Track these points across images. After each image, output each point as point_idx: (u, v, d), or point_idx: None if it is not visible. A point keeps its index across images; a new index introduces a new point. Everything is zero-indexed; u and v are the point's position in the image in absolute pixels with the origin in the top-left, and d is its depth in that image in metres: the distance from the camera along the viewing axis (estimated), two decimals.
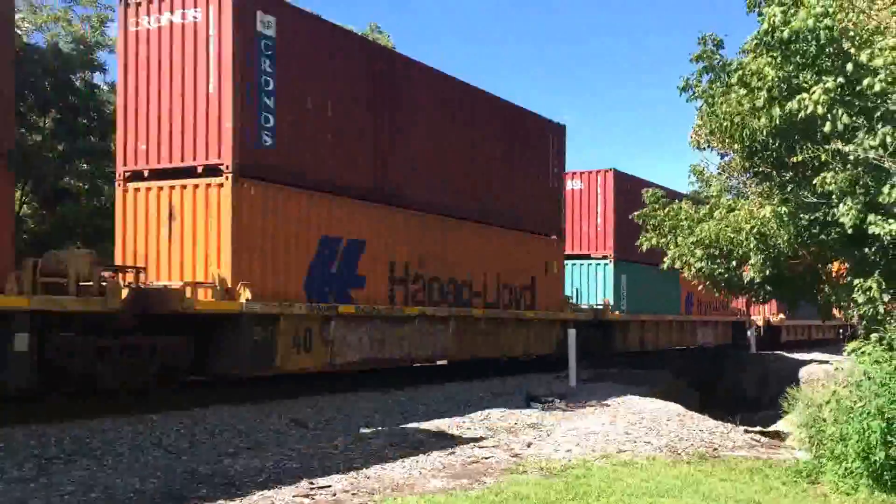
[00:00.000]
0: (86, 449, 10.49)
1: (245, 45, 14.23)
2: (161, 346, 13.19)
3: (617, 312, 26.98)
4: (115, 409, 12.42)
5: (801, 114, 9.60)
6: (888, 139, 9.48)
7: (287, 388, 14.96)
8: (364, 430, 12.60)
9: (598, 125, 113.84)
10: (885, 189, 9.26)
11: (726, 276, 12.80)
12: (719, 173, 13.54)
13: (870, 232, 9.74)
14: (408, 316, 17.48)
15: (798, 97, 9.68)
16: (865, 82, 9.38)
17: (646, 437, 12.85)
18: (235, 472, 9.68)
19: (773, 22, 9.99)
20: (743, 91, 10.62)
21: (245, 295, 13.78)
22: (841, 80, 9.72)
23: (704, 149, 12.99)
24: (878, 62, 9.10)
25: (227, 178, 13.96)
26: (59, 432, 10.95)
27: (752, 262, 12.04)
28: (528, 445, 11.99)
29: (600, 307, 26.26)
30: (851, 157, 9.86)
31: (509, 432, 12.96)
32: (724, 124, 10.71)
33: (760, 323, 36.87)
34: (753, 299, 14.18)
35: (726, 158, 13.14)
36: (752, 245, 11.53)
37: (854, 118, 10.01)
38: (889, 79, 9.24)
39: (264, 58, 14.48)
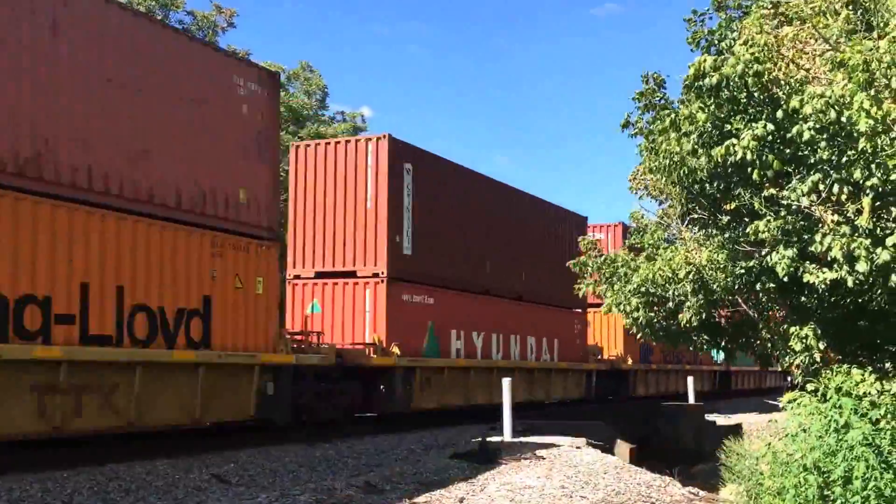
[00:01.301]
0: None
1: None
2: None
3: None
4: (20, 465, 11.69)
5: (731, 159, 9.56)
6: (821, 186, 9.45)
7: (210, 442, 14.31)
8: (290, 487, 12.07)
9: (535, 167, 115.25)
10: (818, 238, 9.20)
11: (663, 323, 12.66)
12: (658, 222, 13.48)
13: (804, 280, 9.67)
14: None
15: (727, 142, 9.65)
16: (795, 129, 9.37)
17: (582, 491, 12.54)
18: None
19: (703, 68, 9.99)
20: (676, 134, 10.60)
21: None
22: (771, 126, 9.71)
23: (642, 197, 12.98)
24: (808, 109, 9.10)
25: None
26: None
27: (688, 304, 11.93)
28: (461, 501, 11.61)
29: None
30: (784, 203, 9.82)
31: (441, 486, 12.53)
32: (665, 163, 10.65)
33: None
34: (691, 348, 14.07)
35: (663, 206, 13.11)
36: (688, 288, 11.43)
37: (785, 165, 10.00)
38: (817, 126, 9.24)
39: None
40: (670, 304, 12.14)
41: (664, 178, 10.92)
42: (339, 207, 19.02)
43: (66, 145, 11.88)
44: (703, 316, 12.17)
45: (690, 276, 11.24)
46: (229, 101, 14.49)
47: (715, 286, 11.49)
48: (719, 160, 9.73)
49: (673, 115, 10.47)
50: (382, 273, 18.69)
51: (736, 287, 11.40)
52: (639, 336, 14.23)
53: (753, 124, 9.76)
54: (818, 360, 10.52)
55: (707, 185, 10.65)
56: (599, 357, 28.89)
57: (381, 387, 18.49)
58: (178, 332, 13.37)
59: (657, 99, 11.74)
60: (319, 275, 19.19)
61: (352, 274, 18.91)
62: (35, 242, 11.46)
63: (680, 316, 12.36)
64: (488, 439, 17.68)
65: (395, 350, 18.61)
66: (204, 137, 13.96)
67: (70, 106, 11.98)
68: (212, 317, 13.90)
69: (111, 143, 12.49)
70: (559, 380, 26.30)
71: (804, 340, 10.60)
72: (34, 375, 11.46)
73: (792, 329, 10.69)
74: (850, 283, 9.17)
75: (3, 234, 11.04)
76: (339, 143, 19.65)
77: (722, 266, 11.02)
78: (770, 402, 33.33)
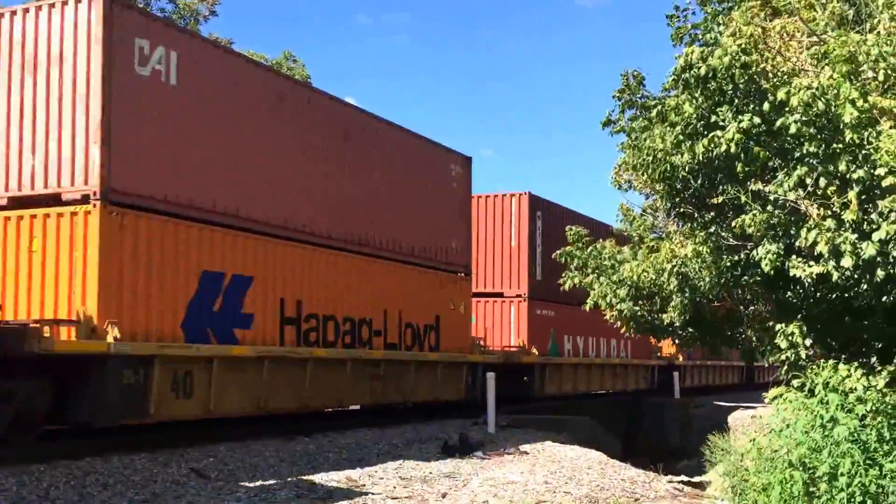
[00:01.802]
0: None
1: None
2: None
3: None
4: None
5: (716, 151, 9.46)
6: (807, 180, 9.37)
7: (188, 436, 14.12)
8: (270, 481, 11.93)
9: (520, 159, 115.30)
10: (803, 232, 9.12)
11: (649, 318, 12.57)
12: (642, 214, 13.39)
13: (791, 274, 9.59)
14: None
15: (712, 134, 9.56)
16: (780, 121, 9.29)
17: (565, 486, 12.45)
18: None
19: (690, 59, 9.89)
20: (662, 127, 10.50)
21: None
22: (757, 119, 9.62)
23: (626, 190, 12.88)
24: (794, 101, 9.01)
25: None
26: None
27: (672, 303, 11.84)
28: (444, 496, 11.49)
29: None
30: (771, 198, 9.74)
31: (424, 482, 12.41)
32: (647, 159, 10.54)
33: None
34: (677, 342, 13.99)
35: (649, 200, 13.02)
36: (673, 286, 11.33)
37: (771, 159, 9.91)
38: (804, 118, 9.15)
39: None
40: (657, 298, 12.06)
41: (647, 176, 10.82)
42: (490, 245, 25.03)
43: (377, 228, 18.38)
44: (688, 315, 12.10)
45: (675, 271, 11.15)
46: (447, 181, 21.25)
47: (699, 283, 11.41)
48: (702, 155, 9.64)
49: (660, 107, 10.37)
50: (524, 294, 24.74)
51: (721, 282, 11.32)
52: (623, 330, 14.15)
53: (740, 116, 9.68)
54: (804, 356, 10.46)
55: (691, 180, 10.57)
56: (659, 354, 33.53)
57: (525, 378, 24.33)
58: (425, 340, 19.88)
59: (638, 96, 11.65)
60: (475, 294, 24.01)
61: (499, 294, 25.04)
62: (362, 283, 17.76)
63: (664, 316, 12.28)
64: (472, 434, 17.58)
65: (535, 351, 24.49)
66: (436, 209, 20.63)
67: (383, 204, 18.55)
68: (440, 329, 20.33)
69: (395, 221, 18.96)
70: (631, 373, 31.90)
71: (790, 338, 10.52)
72: (370, 369, 17.83)
73: (778, 326, 10.62)
74: (834, 278, 9.09)
75: (350, 280, 17.37)
76: (488, 197, 25.15)
77: (707, 263, 10.95)
78: (722, 404, 32.21)
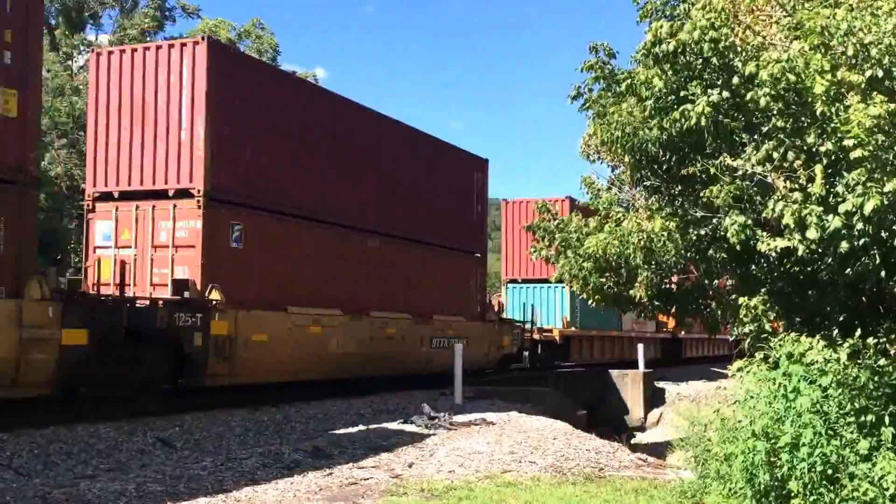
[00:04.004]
0: None
1: None
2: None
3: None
4: None
5: (686, 124, 9.48)
6: (774, 154, 9.41)
7: (153, 407, 14.04)
8: (236, 451, 11.91)
9: (489, 132, 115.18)
10: (770, 203, 9.18)
11: (615, 290, 12.62)
12: (609, 187, 13.39)
13: (756, 249, 9.66)
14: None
15: (682, 108, 9.57)
16: (750, 95, 9.31)
17: (531, 456, 12.55)
18: (93, 496, 8.98)
19: (660, 34, 9.87)
20: (633, 100, 10.47)
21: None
22: (726, 93, 9.65)
23: (594, 161, 12.86)
24: (764, 74, 9.04)
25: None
26: None
27: (640, 278, 11.89)
28: (410, 466, 11.55)
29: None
30: (740, 172, 9.78)
31: (390, 451, 12.46)
32: (616, 134, 10.53)
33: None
34: (642, 315, 14.07)
35: (616, 171, 13.03)
36: (639, 260, 11.38)
37: (740, 132, 9.95)
38: (773, 93, 9.18)
39: None
40: (622, 271, 12.10)
41: (617, 149, 10.80)
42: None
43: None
44: (654, 289, 12.16)
45: (641, 245, 11.18)
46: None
47: (665, 258, 11.47)
48: (674, 129, 9.65)
49: (629, 80, 10.35)
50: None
51: (688, 255, 11.38)
52: (590, 302, 14.23)
53: (709, 91, 9.69)
54: (767, 329, 10.56)
55: (660, 154, 10.58)
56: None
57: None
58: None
59: (607, 70, 11.62)
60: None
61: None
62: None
63: (632, 291, 12.33)
64: (439, 404, 17.66)
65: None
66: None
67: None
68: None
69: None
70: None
71: (753, 311, 10.62)
72: None
73: (741, 300, 10.70)
74: (800, 252, 9.18)
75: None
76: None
77: (673, 237, 10.99)
78: (718, 370, 33.79)
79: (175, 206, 15.44)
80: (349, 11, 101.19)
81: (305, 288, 17.57)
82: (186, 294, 14.93)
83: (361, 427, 14.61)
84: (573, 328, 31.94)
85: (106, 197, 16.17)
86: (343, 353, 18.17)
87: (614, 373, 30.61)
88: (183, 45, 15.81)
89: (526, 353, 28.77)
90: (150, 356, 14.11)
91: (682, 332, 37.28)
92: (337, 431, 14.12)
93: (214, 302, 15.08)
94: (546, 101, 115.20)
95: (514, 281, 33.09)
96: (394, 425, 14.92)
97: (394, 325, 20.30)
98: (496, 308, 27.56)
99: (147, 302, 14.37)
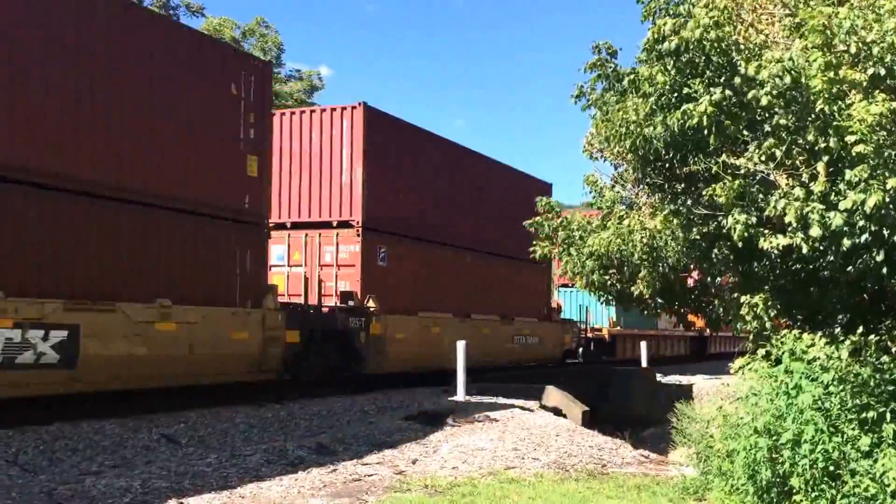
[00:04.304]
0: None
1: None
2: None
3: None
4: None
5: (688, 123, 9.52)
6: (777, 152, 9.45)
7: (157, 403, 14.11)
8: (240, 447, 11.97)
9: (492, 131, 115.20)
10: (772, 201, 9.21)
11: (618, 287, 12.67)
12: (612, 185, 13.43)
13: (759, 247, 9.69)
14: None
15: (684, 107, 9.60)
16: (751, 94, 9.34)
17: (534, 453, 12.60)
18: (98, 493, 9.03)
19: (663, 32, 9.90)
20: (636, 98, 10.51)
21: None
22: (728, 92, 9.68)
23: (597, 159, 12.89)
24: (765, 74, 9.07)
25: None
26: None
27: (641, 275, 11.94)
28: (414, 462, 11.60)
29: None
30: (742, 171, 9.81)
31: (394, 448, 12.52)
32: (620, 131, 10.57)
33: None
34: (645, 312, 14.12)
35: (619, 170, 13.05)
36: (641, 257, 11.42)
37: (742, 131, 9.98)
38: (774, 92, 9.21)
39: None
40: (625, 269, 12.15)
41: (619, 147, 10.84)
42: None
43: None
44: (657, 286, 12.20)
45: (644, 243, 11.23)
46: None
47: (668, 255, 11.51)
48: (676, 126, 9.69)
49: (633, 76, 10.38)
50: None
51: (690, 254, 11.42)
52: (599, 300, 14.28)
53: (711, 89, 9.72)
54: (768, 327, 10.60)
55: (662, 152, 10.62)
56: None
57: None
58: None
59: (609, 69, 11.66)
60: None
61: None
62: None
63: (633, 289, 12.37)
64: (442, 401, 17.70)
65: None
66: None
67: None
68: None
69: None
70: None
71: (754, 309, 10.66)
72: None
73: (743, 298, 10.74)
74: (805, 250, 9.20)
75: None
76: None
77: (676, 235, 11.03)
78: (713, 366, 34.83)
79: (338, 234, 19.67)
80: (352, 10, 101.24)
81: (426, 296, 21.73)
82: (351, 303, 19.07)
83: (365, 423, 14.66)
84: (618, 328, 35.22)
85: (279, 227, 19.65)
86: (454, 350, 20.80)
87: (617, 370, 30.69)
88: (343, 109, 20.17)
89: (580, 349, 32.71)
90: (334, 351, 18.11)
91: (708, 331, 38.57)
92: (341, 428, 14.18)
93: (372, 308, 19.19)
94: (550, 99, 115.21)
95: (565, 286, 34.23)
96: (397, 421, 14.96)
97: (487, 325, 24.50)
98: (556, 309, 30.87)
99: (327, 309, 18.60)
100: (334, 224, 19.69)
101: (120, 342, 12.76)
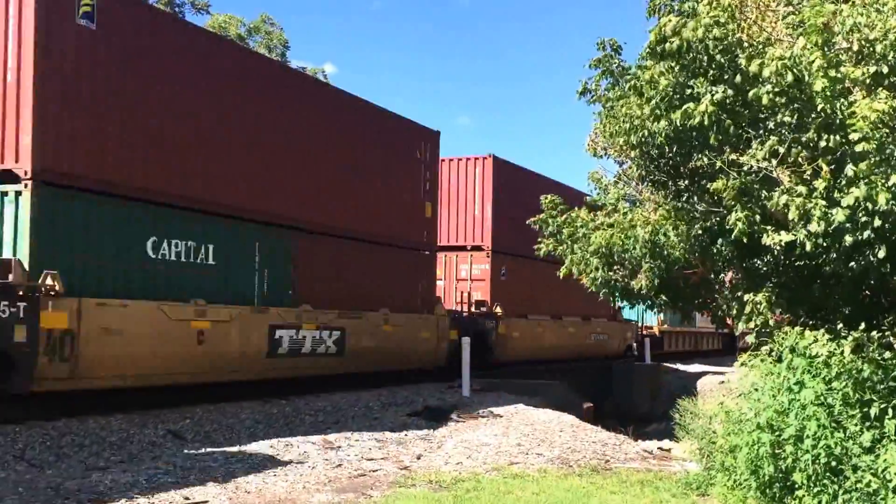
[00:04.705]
0: None
1: None
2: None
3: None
4: None
5: (690, 122, 9.53)
6: (780, 149, 9.46)
7: (163, 399, 14.16)
8: (246, 443, 12.03)
9: (496, 128, 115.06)
10: (775, 196, 9.23)
11: (622, 283, 12.68)
12: (615, 182, 13.43)
13: (762, 242, 9.71)
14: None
15: (685, 106, 9.61)
16: (752, 93, 9.35)
17: (538, 448, 12.65)
18: (105, 488, 9.11)
19: (665, 32, 9.90)
20: (638, 98, 10.51)
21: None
22: (731, 91, 9.68)
23: (601, 156, 12.89)
24: (766, 72, 9.08)
25: None
26: None
27: (643, 269, 11.95)
28: (418, 458, 11.66)
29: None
30: (745, 168, 9.82)
31: (399, 444, 12.58)
32: (624, 126, 10.59)
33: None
34: (648, 308, 14.13)
35: (624, 167, 13.05)
36: (643, 251, 11.44)
37: (744, 129, 9.98)
38: (776, 89, 9.21)
39: None
40: (627, 263, 12.16)
41: (622, 142, 10.86)
42: None
43: None
44: (658, 282, 12.21)
45: (647, 239, 11.24)
46: None
47: (671, 251, 11.52)
48: (678, 124, 9.70)
49: (634, 81, 10.40)
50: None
51: (693, 251, 11.43)
52: (601, 296, 14.28)
53: (713, 88, 9.72)
54: (771, 324, 10.61)
55: (666, 149, 10.63)
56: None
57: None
58: None
59: (614, 66, 11.67)
60: None
61: None
62: None
63: (634, 282, 12.39)
64: (447, 397, 17.78)
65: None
66: None
67: None
68: None
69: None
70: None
71: (757, 306, 10.68)
72: None
73: (746, 296, 10.76)
74: (808, 248, 9.22)
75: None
76: None
77: (679, 231, 11.04)
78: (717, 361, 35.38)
79: (471, 255, 25.20)
80: (357, 7, 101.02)
81: (531, 303, 26.80)
82: (483, 309, 24.72)
83: (370, 419, 14.73)
84: (665, 325, 38.93)
85: None
86: (550, 345, 28.28)
87: (620, 366, 30.82)
88: (476, 159, 25.65)
89: (634, 345, 36.16)
90: (476, 346, 21.45)
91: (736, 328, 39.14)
92: (346, 424, 14.24)
93: (499, 313, 24.78)
94: (554, 96, 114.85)
95: None
96: (402, 417, 15.03)
97: (573, 326, 29.73)
98: (618, 310, 34.17)
99: (467, 314, 24.16)
100: (468, 248, 25.44)
101: (366, 338, 18.46)
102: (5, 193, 12.00)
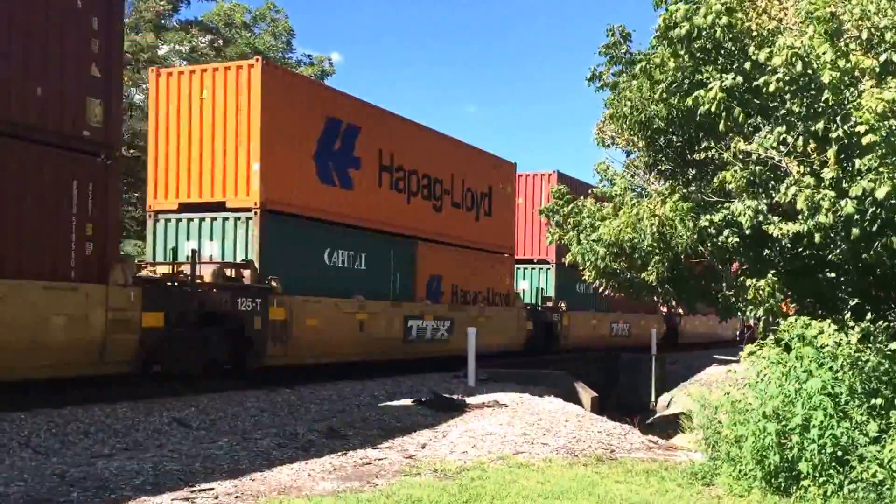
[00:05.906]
0: None
1: None
2: None
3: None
4: None
5: (700, 109, 9.51)
6: (789, 139, 9.44)
7: (170, 386, 14.19)
8: (251, 431, 12.04)
9: (504, 116, 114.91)
10: (783, 188, 9.20)
11: (628, 275, 12.64)
12: (623, 172, 13.39)
13: (769, 233, 9.69)
14: None
15: (696, 93, 9.58)
16: (761, 80, 9.31)
17: (543, 438, 12.64)
18: (110, 475, 9.08)
19: (675, 18, 9.87)
20: (647, 83, 10.50)
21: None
22: (739, 78, 9.64)
23: (609, 146, 12.84)
24: (776, 61, 9.04)
25: None
26: None
27: (653, 262, 11.92)
28: (423, 447, 11.65)
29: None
30: (753, 157, 9.80)
31: (404, 433, 12.57)
32: (625, 109, 10.56)
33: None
34: (655, 299, 14.10)
35: (631, 156, 13.02)
36: (652, 244, 11.40)
37: (752, 117, 9.95)
38: (786, 78, 9.18)
39: None
40: (636, 256, 12.11)
41: (625, 125, 10.84)
42: None
43: None
44: (666, 273, 12.17)
45: (654, 230, 11.20)
46: None
47: (678, 241, 11.49)
48: (684, 109, 9.67)
49: (644, 63, 10.37)
50: None
51: (700, 241, 11.40)
52: (602, 288, 14.24)
53: (723, 75, 9.69)
54: (776, 311, 10.59)
55: (673, 136, 10.61)
56: None
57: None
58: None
59: (623, 52, 11.64)
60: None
61: None
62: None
63: (644, 275, 12.36)
64: (452, 387, 17.77)
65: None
66: None
67: None
68: None
69: None
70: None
71: (761, 293, 10.65)
72: None
73: (749, 282, 10.72)
74: (817, 239, 9.18)
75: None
76: None
77: (686, 222, 11.01)
78: (721, 357, 34.98)
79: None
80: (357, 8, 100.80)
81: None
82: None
83: (375, 408, 14.73)
84: (689, 315, 40.65)
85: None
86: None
87: (625, 356, 30.80)
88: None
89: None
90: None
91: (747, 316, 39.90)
92: (352, 412, 14.24)
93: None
94: (564, 85, 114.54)
95: None
96: (408, 407, 15.01)
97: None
98: None
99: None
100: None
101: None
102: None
